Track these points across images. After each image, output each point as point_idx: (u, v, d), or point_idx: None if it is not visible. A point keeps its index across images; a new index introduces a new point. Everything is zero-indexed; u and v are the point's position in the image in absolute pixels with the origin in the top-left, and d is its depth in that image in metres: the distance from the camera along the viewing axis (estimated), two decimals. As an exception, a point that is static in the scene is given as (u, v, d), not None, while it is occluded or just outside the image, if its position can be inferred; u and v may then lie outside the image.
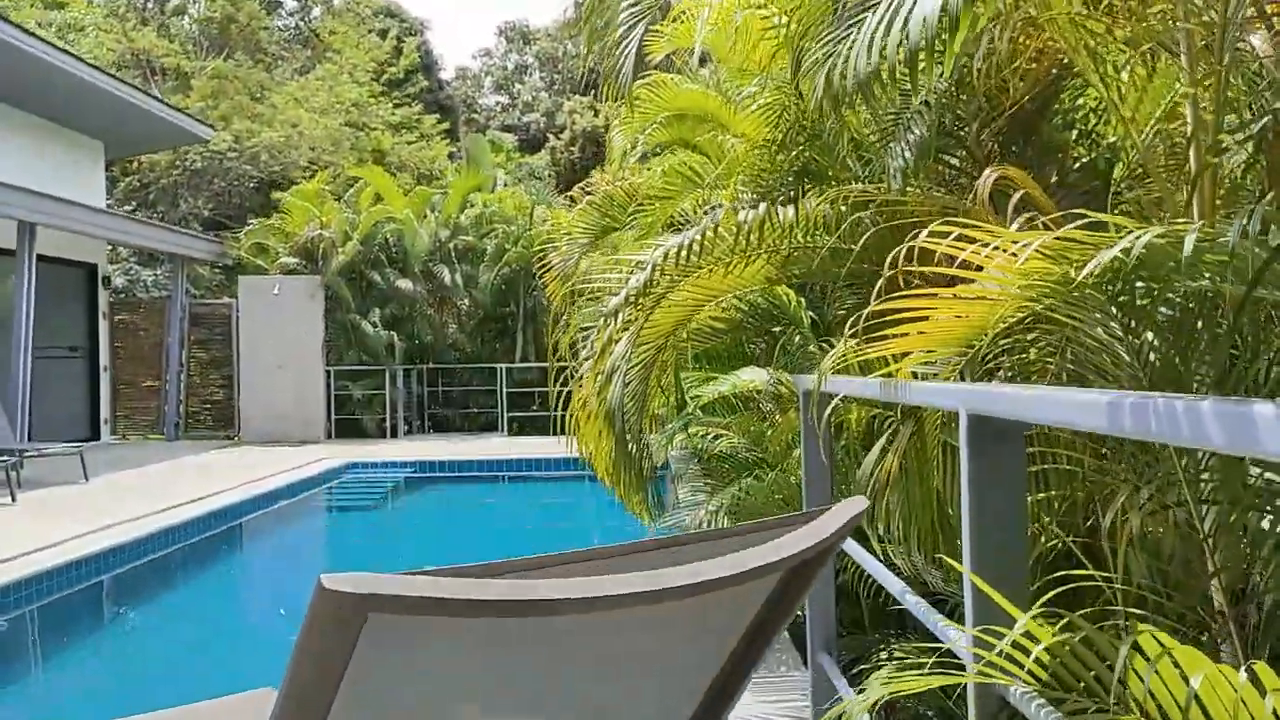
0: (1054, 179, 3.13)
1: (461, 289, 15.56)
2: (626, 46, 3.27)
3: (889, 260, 1.80)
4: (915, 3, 1.76)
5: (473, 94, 42.78)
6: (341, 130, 20.97)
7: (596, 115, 33.73)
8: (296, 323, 14.60)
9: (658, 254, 2.85)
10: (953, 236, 1.62)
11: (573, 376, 4.14)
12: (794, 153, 3.45)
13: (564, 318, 8.83)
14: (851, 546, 2.35)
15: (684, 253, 2.80)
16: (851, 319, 1.95)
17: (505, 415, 15.24)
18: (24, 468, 9.96)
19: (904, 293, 1.75)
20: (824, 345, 2.99)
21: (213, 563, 8.44)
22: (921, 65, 1.79)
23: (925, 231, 1.70)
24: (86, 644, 6.09)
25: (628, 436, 3.27)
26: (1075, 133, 3.19)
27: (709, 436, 5.08)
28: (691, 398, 4.68)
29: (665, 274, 2.88)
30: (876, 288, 1.79)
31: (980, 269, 1.78)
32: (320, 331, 14.70)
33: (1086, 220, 1.56)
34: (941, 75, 2.03)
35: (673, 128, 5.96)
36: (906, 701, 2.95)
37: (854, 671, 3.76)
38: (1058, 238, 1.51)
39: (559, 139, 34.35)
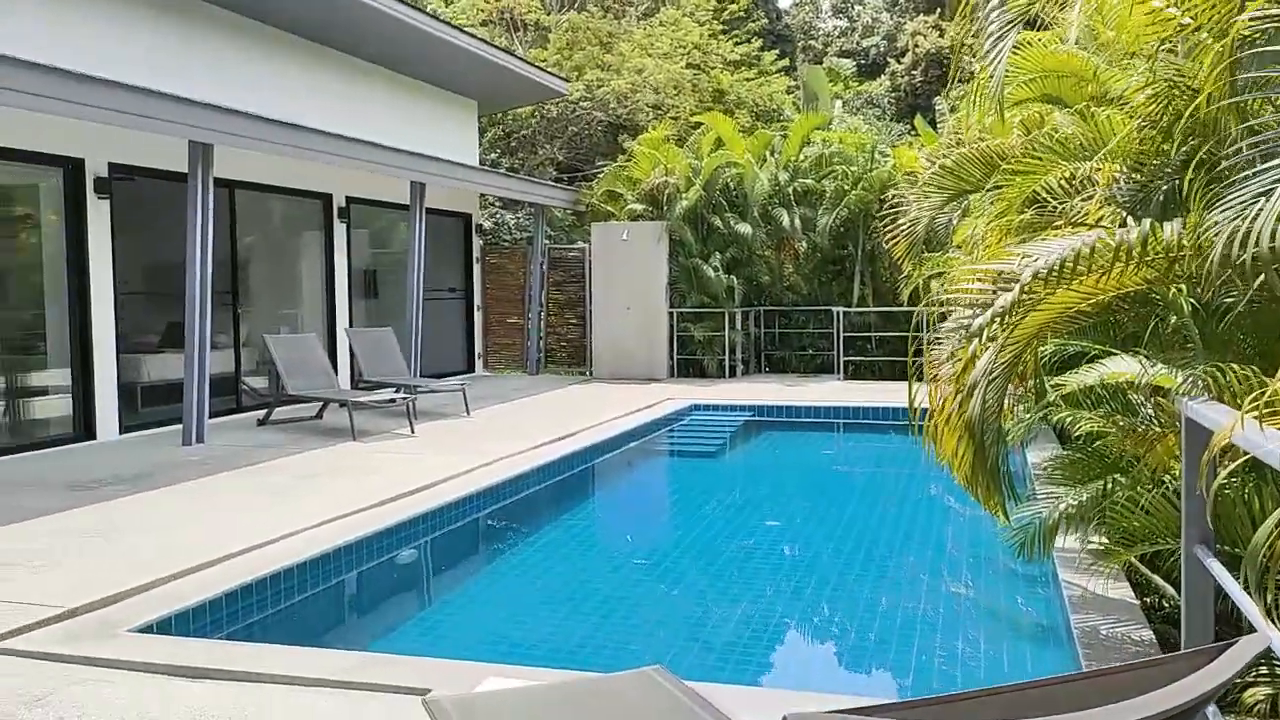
0: None
1: (799, 231, 15.63)
2: (998, 55, 3.17)
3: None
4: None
5: (810, 19, 41.98)
6: (683, 73, 21.52)
7: (941, 35, 32.05)
8: (643, 266, 15.40)
9: (1025, 273, 2.80)
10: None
11: (926, 329, 4.13)
12: (1182, 148, 3.20)
13: (906, 273, 8.67)
14: (1241, 598, 2.25)
15: (1054, 273, 2.73)
16: (1252, 396, 1.85)
17: (841, 358, 15.25)
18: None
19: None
20: (1217, 369, 2.79)
21: (587, 496, 9.33)
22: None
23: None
24: (492, 567, 6.99)
25: (986, 442, 3.26)
26: None
27: (1069, 419, 4.88)
28: (1052, 385, 4.51)
29: (1034, 291, 2.82)
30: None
31: None
32: (665, 274, 15.41)
33: None
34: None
35: (1036, 84, 5.66)
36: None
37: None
38: None
39: (899, 63, 33.05)
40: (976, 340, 2.91)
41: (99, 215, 9.61)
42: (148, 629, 4.38)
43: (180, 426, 9.52)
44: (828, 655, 5.40)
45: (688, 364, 15.74)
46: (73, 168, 9.40)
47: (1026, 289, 2.78)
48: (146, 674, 3.85)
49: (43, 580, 4.98)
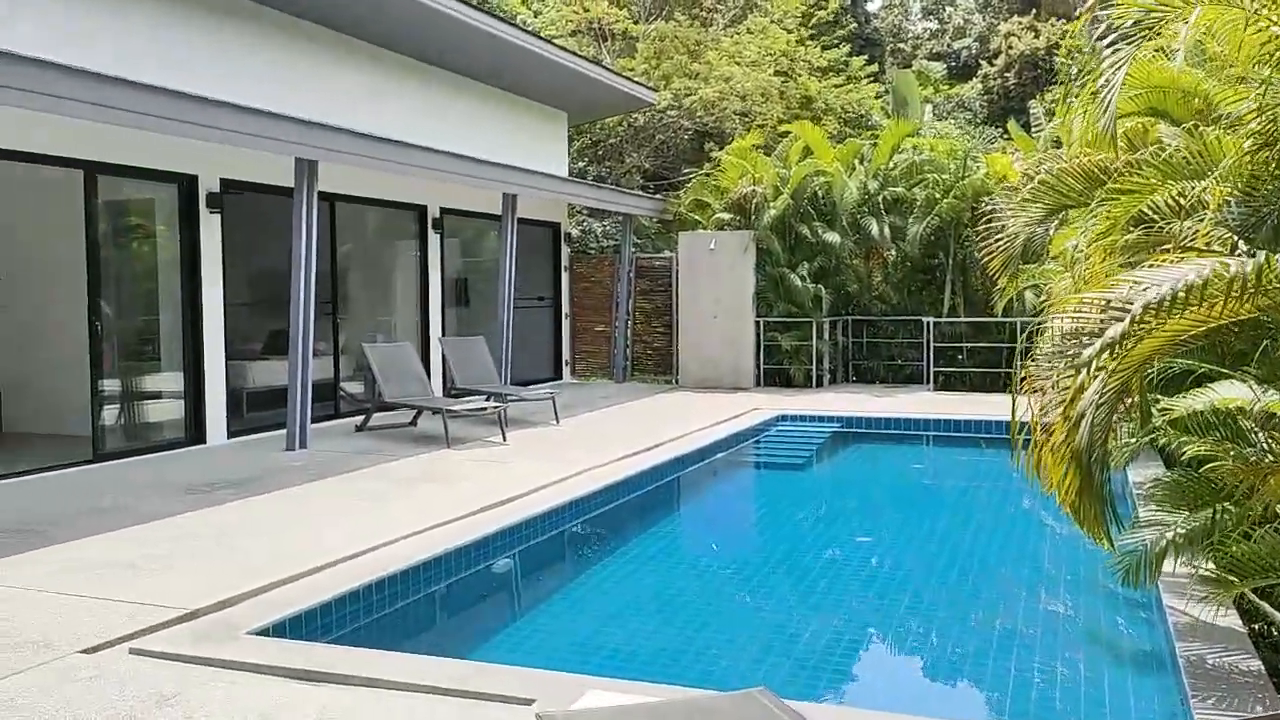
0: None
1: (888, 240, 15.48)
2: (1109, 89, 3.16)
3: None
4: None
5: (900, 22, 41.41)
6: (770, 81, 21.48)
7: (1036, 36, 31.39)
8: (730, 275, 15.43)
9: (1136, 304, 2.78)
10: None
11: (1032, 339, 4.10)
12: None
13: (1001, 285, 8.53)
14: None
15: (1166, 305, 2.70)
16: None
17: (931, 368, 15.05)
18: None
19: None
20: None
21: (677, 507, 9.42)
22: None
23: None
24: (584, 578, 7.11)
25: (1093, 470, 3.24)
26: None
27: (1175, 444, 4.79)
28: (1159, 410, 4.42)
29: (1144, 321, 2.80)
30: None
31: None
32: (751, 283, 15.41)
33: None
34: None
35: (1141, 99, 5.56)
36: None
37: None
38: None
39: (992, 65, 32.45)
40: (1085, 370, 2.90)
41: (210, 228, 10.03)
42: (265, 631, 4.60)
43: (281, 431, 9.89)
44: (923, 675, 5.38)
45: (774, 373, 15.70)
46: (187, 184, 9.84)
47: (1137, 320, 2.76)
48: (267, 676, 4.04)
49: (167, 581, 5.26)
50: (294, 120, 9.15)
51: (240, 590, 5.07)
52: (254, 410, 10.88)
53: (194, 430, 10.00)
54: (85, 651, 4.27)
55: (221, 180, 10.12)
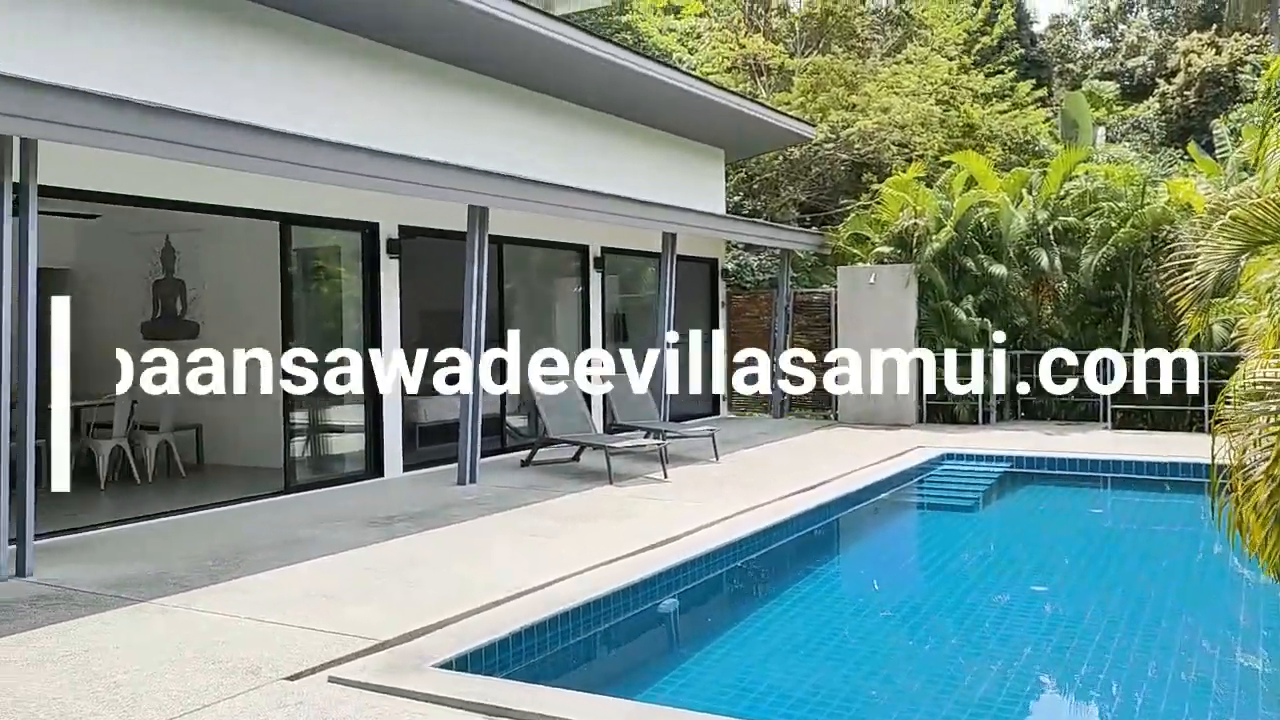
0: None
1: (1059, 272, 14.90)
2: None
3: None
4: None
5: (1068, 42, 39.90)
6: (930, 110, 21.09)
7: (1218, 53, 29.75)
8: (890, 309, 15.16)
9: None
10: None
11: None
12: None
13: (1186, 322, 8.10)
14: None
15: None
16: None
17: (1108, 405, 14.33)
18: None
19: None
20: None
21: (840, 549, 9.32)
22: None
23: None
24: (751, 619, 7.12)
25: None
26: None
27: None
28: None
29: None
30: None
31: None
32: (913, 317, 15.09)
33: None
34: None
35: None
36: None
37: None
38: None
39: (1169, 83, 30.90)
40: (1292, 428, 2.76)
41: (389, 272, 10.61)
42: (449, 664, 4.81)
43: (450, 465, 10.28)
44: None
45: (936, 409, 15.28)
46: (370, 231, 10.46)
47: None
48: (453, 709, 4.22)
49: (357, 611, 5.57)
50: (467, 170, 9.60)
51: (425, 622, 5.32)
52: (426, 444, 11.37)
53: (373, 463, 10.54)
54: (288, 678, 4.57)
55: (399, 227, 10.70)
